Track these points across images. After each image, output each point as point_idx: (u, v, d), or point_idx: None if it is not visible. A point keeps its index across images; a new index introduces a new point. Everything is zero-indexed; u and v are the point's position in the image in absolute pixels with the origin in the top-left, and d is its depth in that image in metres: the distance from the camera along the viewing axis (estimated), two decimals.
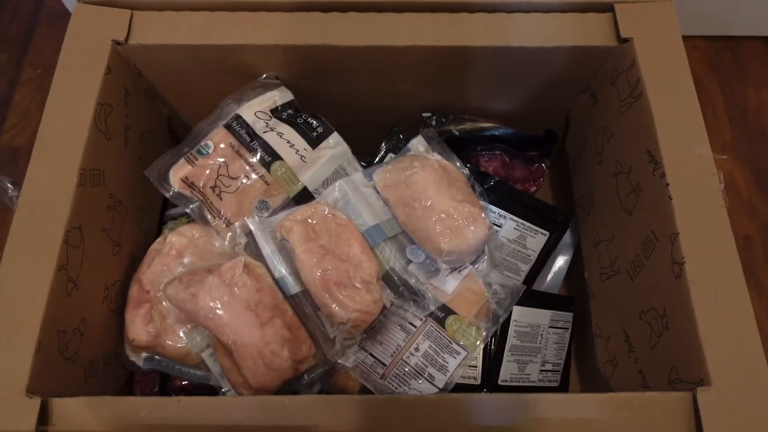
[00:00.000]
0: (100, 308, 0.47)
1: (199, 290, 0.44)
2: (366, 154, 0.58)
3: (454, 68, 0.53)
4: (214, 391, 0.49)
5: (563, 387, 0.58)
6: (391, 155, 0.58)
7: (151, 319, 0.47)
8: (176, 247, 0.50)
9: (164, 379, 0.53)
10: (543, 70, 0.53)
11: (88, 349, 0.45)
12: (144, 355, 0.48)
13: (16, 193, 0.42)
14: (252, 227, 0.48)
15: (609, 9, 0.50)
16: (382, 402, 0.38)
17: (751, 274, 0.40)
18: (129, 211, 0.51)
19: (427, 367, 0.47)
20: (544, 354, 0.56)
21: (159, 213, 0.59)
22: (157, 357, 0.48)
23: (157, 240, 0.52)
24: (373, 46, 0.50)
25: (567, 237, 0.60)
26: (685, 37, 0.48)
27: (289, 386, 0.47)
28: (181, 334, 0.47)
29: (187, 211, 0.50)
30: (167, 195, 0.50)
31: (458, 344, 0.48)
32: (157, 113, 0.58)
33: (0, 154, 0.77)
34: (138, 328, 0.47)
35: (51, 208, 0.42)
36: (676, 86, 0.46)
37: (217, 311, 0.43)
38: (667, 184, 0.42)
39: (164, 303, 0.48)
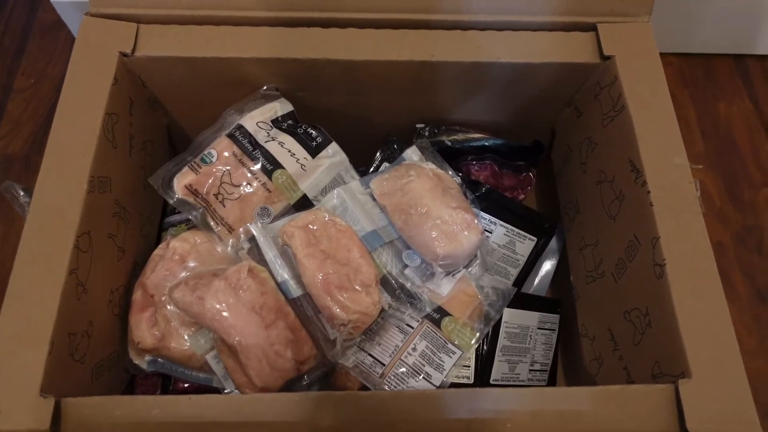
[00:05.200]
0: (106, 312, 0.48)
1: (206, 293, 0.45)
2: (361, 163, 0.60)
3: (447, 82, 0.56)
4: (216, 393, 0.50)
5: (551, 386, 0.60)
6: (385, 164, 0.60)
7: (155, 323, 0.49)
8: (179, 253, 0.51)
9: (166, 382, 0.54)
10: (530, 84, 0.56)
11: (95, 351, 0.46)
12: (148, 358, 0.49)
13: (27, 200, 0.44)
14: (255, 233, 0.49)
15: (592, 28, 0.53)
16: (386, 397, 0.40)
17: (724, 279, 0.43)
18: (132, 217, 0.53)
19: (424, 366, 0.49)
20: (533, 354, 0.58)
21: (159, 220, 0.60)
22: (160, 360, 0.50)
23: (160, 246, 0.53)
24: (370, 61, 0.52)
25: (553, 242, 0.63)
26: (660, 54, 0.51)
27: (290, 386, 0.49)
28: (186, 337, 0.49)
29: (190, 217, 0.52)
30: (171, 202, 0.52)
31: (453, 344, 0.50)
32: (158, 122, 0.59)
33: None
34: (143, 331, 0.48)
35: (62, 213, 0.43)
36: (655, 101, 0.49)
37: (224, 313, 0.45)
38: (648, 192, 0.45)
39: (169, 307, 0.49)
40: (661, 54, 0.51)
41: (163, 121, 0.60)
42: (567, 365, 0.64)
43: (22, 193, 0.45)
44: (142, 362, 0.50)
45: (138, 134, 0.53)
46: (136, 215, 0.54)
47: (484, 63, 0.53)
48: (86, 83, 0.48)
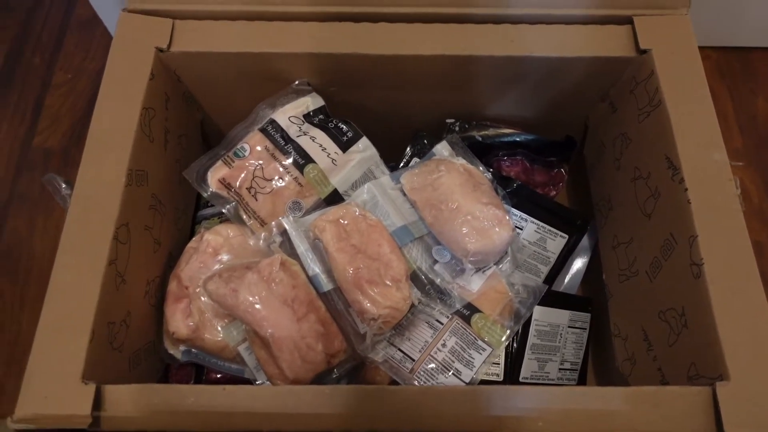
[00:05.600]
0: (143, 302, 0.49)
1: (239, 286, 0.46)
2: (391, 158, 0.60)
3: (479, 76, 0.55)
4: (248, 384, 0.51)
5: (581, 385, 0.60)
6: (416, 159, 0.60)
7: (190, 314, 0.50)
8: (212, 245, 0.52)
9: (199, 372, 0.55)
10: (564, 78, 0.55)
11: (133, 340, 0.47)
12: (182, 348, 0.50)
13: (69, 192, 0.45)
14: (287, 226, 0.50)
15: (628, 21, 0.52)
16: (416, 392, 0.40)
17: (763, 279, 0.42)
18: (168, 210, 0.54)
19: (453, 362, 0.49)
20: (563, 353, 0.58)
21: (193, 213, 0.62)
22: (194, 350, 0.51)
23: (194, 238, 0.54)
24: (401, 55, 0.52)
25: (585, 240, 0.62)
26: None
27: (320, 380, 0.50)
28: (219, 328, 0.49)
29: (224, 211, 0.53)
30: (205, 195, 0.53)
31: (483, 341, 0.50)
32: (192, 117, 0.60)
33: (33, 155, 0.80)
34: (178, 321, 0.49)
35: (102, 205, 0.44)
36: (693, 95, 0.48)
37: (256, 306, 0.46)
38: (686, 189, 0.44)
39: (203, 298, 0.50)
40: (699, 47, 0.50)
41: (197, 116, 0.61)
42: (598, 365, 0.63)
43: (63, 186, 0.46)
44: (177, 352, 0.51)
45: (173, 128, 0.54)
46: (171, 208, 0.55)
47: (517, 57, 0.52)
48: (124, 78, 0.49)
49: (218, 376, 0.54)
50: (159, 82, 0.51)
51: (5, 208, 0.76)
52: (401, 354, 0.50)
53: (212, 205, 0.60)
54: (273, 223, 0.51)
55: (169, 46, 0.51)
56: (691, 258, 0.43)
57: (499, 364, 0.53)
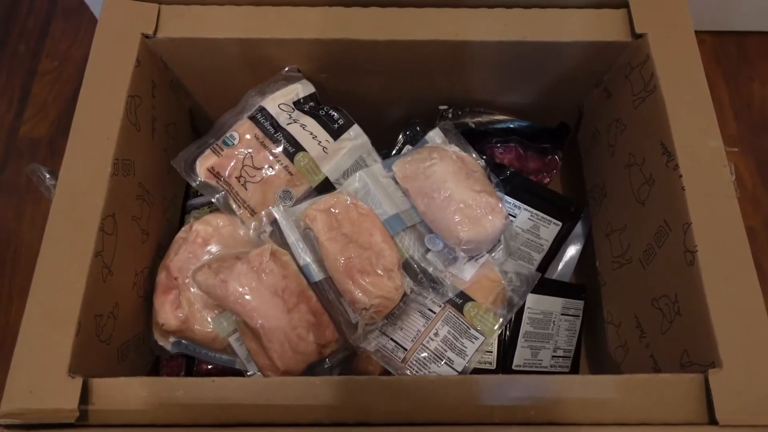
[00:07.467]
0: (131, 294, 0.48)
1: (229, 276, 0.45)
2: (383, 146, 0.59)
3: (472, 62, 0.54)
4: (239, 375, 0.51)
5: (574, 373, 0.60)
6: (408, 147, 0.59)
7: (179, 305, 0.49)
8: (202, 236, 0.51)
9: (190, 363, 0.55)
10: (558, 64, 0.54)
11: (121, 332, 0.46)
12: (172, 339, 0.50)
13: (53, 182, 0.44)
14: (277, 216, 0.49)
15: (624, 5, 0.51)
16: (408, 382, 0.39)
17: (755, 265, 0.42)
18: (156, 200, 0.53)
19: (446, 351, 0.49)
20: (556, 340, 0.57)
21: (182, 203, 0.61)
22: (184, 341, 0.50)
23: (183, 228, 0.53)
24: (393, 41, 0.51)
25: (578, 227, 0.62)
26: None
27: (312, 370, 0.49)
28: (209, 319, 0.49)
29: (213, 200, 0.52)
30: (194, 184, 0.52)
31: (476, 329, 0.50)
32: (181, 105, 0.59)
33: (20, 144, 0.78)
34: (167, 313, 0.49)
35: (87, 196, 0.43)
36: (689, 81, 0.47)
37: (246, 297, 0.45)
38: (680, 176, 0.44)
39: (192, 289, 0.49)
40: (695, 32, 0.49)
41: (185, 104, 0.60)
42: (591, 352, 0.63)
43: (48, 176, 0.45)
44: (167, 344, 0.50)
45: (161, 117, 0.53)
46: (160, 198, 0.54)
47: (511, 42, 0.51)
48: (109, 65, 0.48)
49: (209, 367, 0.54)
50: (145, 69, 0.50)
51: None
52: (393, 343, 0.49)
53: (202, 194, 0.59)
54: (263, 212, 0.51)
55: (155, 32, 0.50)
56: (685, 245, 0.43)
57: (491, 352, 0.53)
